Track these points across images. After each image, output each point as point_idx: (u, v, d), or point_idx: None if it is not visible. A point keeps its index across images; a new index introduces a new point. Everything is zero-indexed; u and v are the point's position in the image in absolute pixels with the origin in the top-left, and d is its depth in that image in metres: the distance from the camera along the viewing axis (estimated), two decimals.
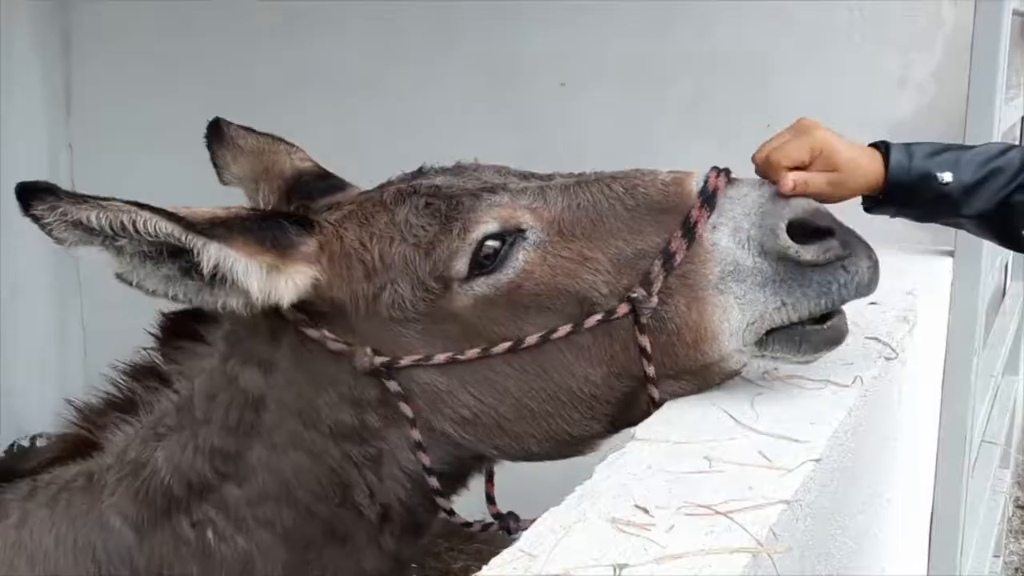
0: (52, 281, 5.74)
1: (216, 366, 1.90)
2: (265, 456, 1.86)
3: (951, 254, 2.96)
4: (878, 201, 1.95)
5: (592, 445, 1.87)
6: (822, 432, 1.68)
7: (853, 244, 1.73)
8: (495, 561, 1.31)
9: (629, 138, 4.84)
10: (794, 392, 1.86)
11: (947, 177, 1.88)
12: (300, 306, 1.82)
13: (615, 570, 1.27)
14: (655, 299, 1.70)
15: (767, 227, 1.71)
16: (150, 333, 1.99)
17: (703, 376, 1.78)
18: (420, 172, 1.95)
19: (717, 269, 1.71)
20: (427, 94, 5.12)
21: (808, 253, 1.69)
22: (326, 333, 1.81)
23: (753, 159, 1.89)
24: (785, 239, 1.69)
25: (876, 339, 2.16)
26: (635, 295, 1.70)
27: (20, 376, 5.60)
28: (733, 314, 1.71)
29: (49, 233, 1.64)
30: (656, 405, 1.76)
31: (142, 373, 1.99)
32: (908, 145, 1.92)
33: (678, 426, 1.70)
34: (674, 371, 1.75)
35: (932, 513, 3.04)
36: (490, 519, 2.03)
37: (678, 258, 1.71)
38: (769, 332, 1.72)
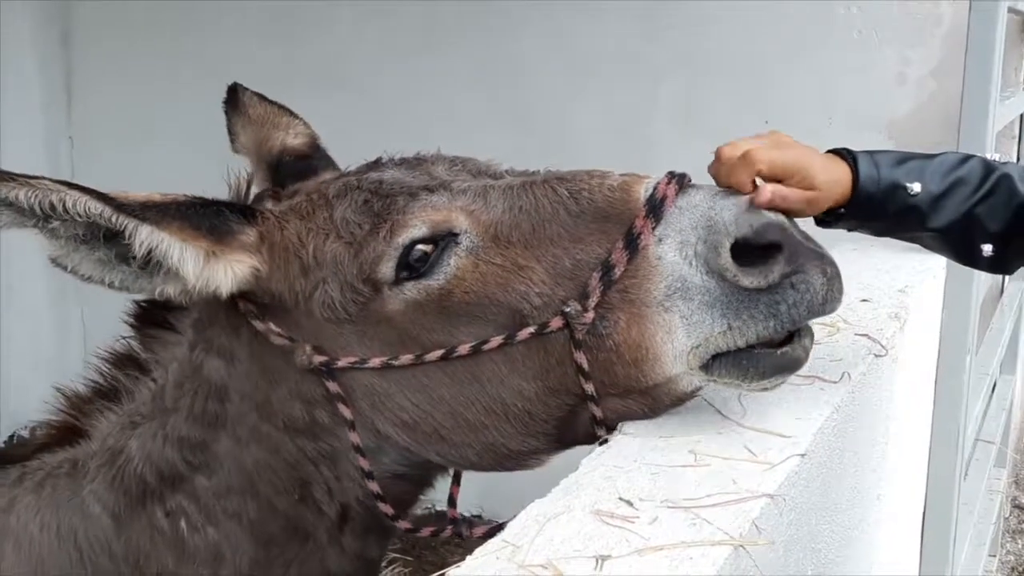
0: (50, 277, 5.77)
1: (185, 354, 1.89)
2: (230, 448, 1.85)
3: None
4: (839, 214, 1.83)
5: (535, 460, 1.77)
6: (808, 427, 1.69)
7: (803, 259, 1.55)
8: (479, 551, 1.32)
9: (625, 136, 4.87)
10: (782, 388, 1.86)
11: (916, 188, 1.78)
12: (251, 297, 1.79)
13: (597, 561, 1.28)
14: (591, 314, 1.57)
15: (712, 244, 1.55)
16: (125, 322, 1.97)
17: (651, 397, 1.64)
18: (376, 163, 1.88)
19: (663, 285, 1.57)
20: (422, 92, 5.15)
21: (747, 279, 1.54)
22: (271, 326, 1.77)
23: (720, 153, 1.71)
24: (726, 259, 1.54)
25: (866, 336, 2.18)
26: (568, 310, 1.57)
27: (17, 369, 5.64)
28: (678, 335, 1.56)
29: None
30: (601, 424, 1.66)
31: (123, 362, 1.98)
32: (871, 154, 1.81)
33: (665, 420, 1.70)
34: (616, 390, 1.63)
35: (924, 511, 3.05)
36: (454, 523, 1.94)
37: (618, 271, 1.57)
38: (716, 356, 1.57)
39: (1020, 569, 5.67)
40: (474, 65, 5.05)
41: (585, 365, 1.59)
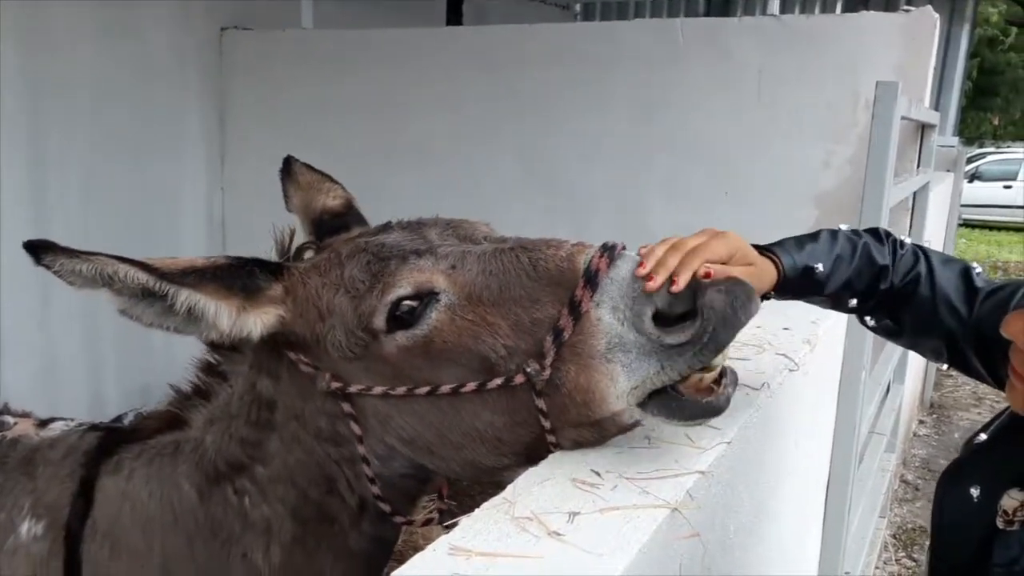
0: None
1: (245, 371, 1.81)
2: (278, 447, 1.75)
3: None
4: (766, 296, 1.76)
5: (508, 474, 1.60)
6: (734, 422, 1.66)
7: (705, 294, 1.38)
8: (485, 505, 1.32)
9: (624, 199, 4.87)
10: None
11: (820, 267, 1.75)
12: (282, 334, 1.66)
13: (570, 516, 1.28)
14: (547, 372, 1.43)
15: (636, 313, 1.41)
16: (206, 344, 1.85)
17: (600, 428, 1.48)
18: (387, 226, 1.74)
19: (604, 341, 1.42)
20: (480, 164, 5.20)
21: (669, 338, 1.38)
22: (300, 357, 1.65)
23: (664, 244, 1.51)
24: (649, 326, 1.40)
25: (784, 355, 2.15)
26: (529, 369, 1.43)
27: None
28: (619, 379, 1.41)
29: (61, 278, 1.48)
30: (557, 446, 1.52)
31: (210, 369, 1.90)
32: (782, 244, 1.75)
33: None
34: (571, 424, 1.47)
35: (828, 484, 3.01)
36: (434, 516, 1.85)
37: (566, 335, 1.42)
38: (651, 394, 1.42)
39: (904, 527, 5.58)
40: (517, 148, 5.10)
41: (544, 408, 1.46)
